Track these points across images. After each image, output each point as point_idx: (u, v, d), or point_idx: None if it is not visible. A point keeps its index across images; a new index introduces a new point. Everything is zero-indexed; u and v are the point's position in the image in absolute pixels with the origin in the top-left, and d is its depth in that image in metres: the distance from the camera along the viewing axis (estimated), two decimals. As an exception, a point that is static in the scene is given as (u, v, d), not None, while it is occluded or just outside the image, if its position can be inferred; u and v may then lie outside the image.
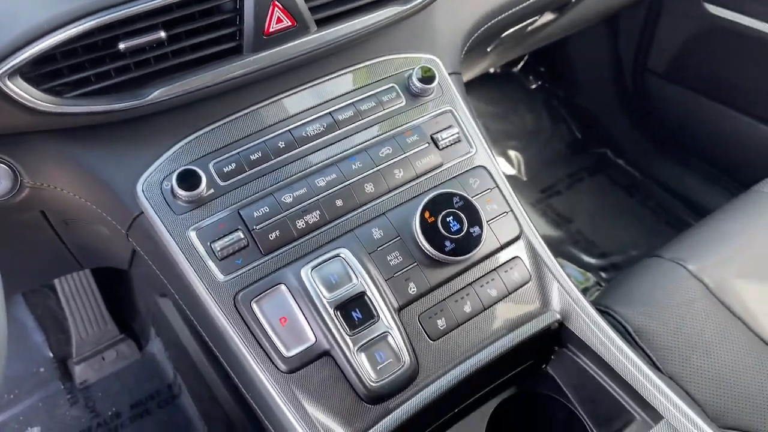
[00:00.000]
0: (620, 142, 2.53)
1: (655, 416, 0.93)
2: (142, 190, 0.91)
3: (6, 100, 0.80)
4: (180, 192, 0.88)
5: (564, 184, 2.48)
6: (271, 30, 0.92)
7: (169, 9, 0.85)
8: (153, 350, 1.93)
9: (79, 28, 0.79)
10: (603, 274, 2.20)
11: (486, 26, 1.27)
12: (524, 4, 1.32)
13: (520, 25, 1.45)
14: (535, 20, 1.50)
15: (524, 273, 1.00)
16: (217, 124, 0.96)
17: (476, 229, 0.94)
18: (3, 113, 0.82)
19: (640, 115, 2.44)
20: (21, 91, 0.79)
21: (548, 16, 1.55)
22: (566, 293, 1.00)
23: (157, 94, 0.88)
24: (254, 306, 0.88)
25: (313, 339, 0.88)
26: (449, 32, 1.17)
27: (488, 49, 1.51)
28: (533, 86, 2.67)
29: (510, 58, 2.05)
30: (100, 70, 0.85)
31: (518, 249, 1.01)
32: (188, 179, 0.88)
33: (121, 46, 0.83)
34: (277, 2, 0.90)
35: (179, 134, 0.95)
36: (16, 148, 0.91)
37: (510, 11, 1.31)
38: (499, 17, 1.29)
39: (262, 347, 0.88)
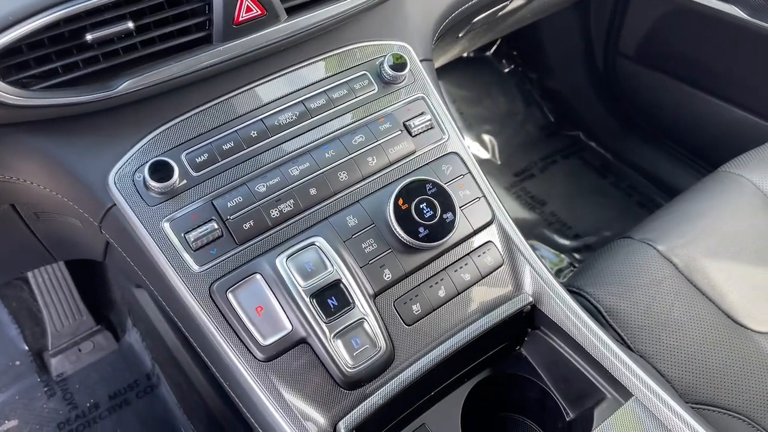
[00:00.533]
0: (592, 124, 2.56)
1: (625, 394, 0.96)
2: (114, 182, 0.91)
3: None
4: (152, 183, 0.88)
5: (538, 167, 2.50)
6: (240, 19, 0.91)
7: None
8: (130, 341, 1.92)
9: (44, 19, 0.78)
10: (577, 255, 2.24)
11: (457, 12, 1.28)
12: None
13: (491, 10, 1.46)
14: (506, 5, 1.51)
15: (497, 257, 1.02)
16: (188, 115, 0.96)
17: (449, 215, 0.95)
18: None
19: (612, 97, 2.47)
20: (-14, 84, 0.78)
21: (518, 1, 1.56)
22: (538, 276, 1.02)
23: (127, 85, 0.87)
24: (230, 296, 0.88)
25: (289, 327, 0.88)
26: (420, 19, 1.18)
27: (460, 35, 1.51)
28: (506, 70, 2.69)
29: (482, 43, 2.05)
30: (68, 61, 0.84)
31: (491, 234, 1.02)
32: (160, 170, 0.88)
33: (88, 37, 0.82)
34: (246, -9, 0.90)
35: (151, 125, 0.94)
36: (-18, 142, 0.90)
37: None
38: (470, 3, 1.30)
39: (238, 336, 0.88)
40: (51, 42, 0.82)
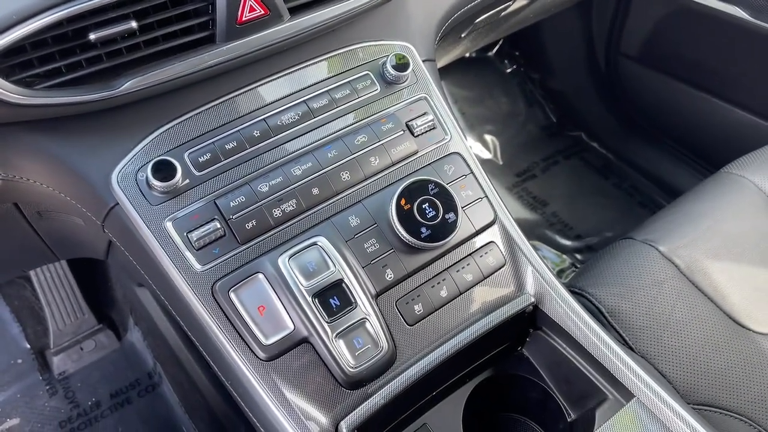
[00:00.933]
0: (594, 124, 2.56)
1: (627, 395, 0.96)
2: (117, 181, 0.91)
3: None
4: (155, 182, 0.88)
5: (539, 167, 2.50)
6: (244, 19, 0.91)
7: None
8: (132, 339, 1.93)
9: (48, 18, 0.78)
10: (578, 256, 2.24)
11: (459, 12, 1.28)
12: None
13: (494, 11, 1.46)
14: (508, 5, 1.51)
15: (499, 257, 1.02)
16: (191, 114, 0.96)
17: (451, 215, 0.96)
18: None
19: (614, 98, 2.46)
20: (-10, 83, 0.78)
21: (521, 2, 1.56)
22: (540, 276, 1.02)
23: (130, 84, 0.87)
24: (232, 295, 0.88)
25: (291, 327, 0.88)
26: (423, 19, 1.18)
27: (462, 35, 1.51)
28: (508, 70, 2.69)
29: (484, 43, 2.05)
30: (71, 60, 0.84)
31: (493, 234, 1.03)
32: (163, 169, 0.88)
33: (92, 36, 0.82)
34: (250, -9, 0.90)
35: (153, 124, 0.94)
36: (-16, 141, 0.90)
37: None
38: (472, 3, 1.30)
39: (240, 336, 0.88)
40: (54, 41, 0.82)
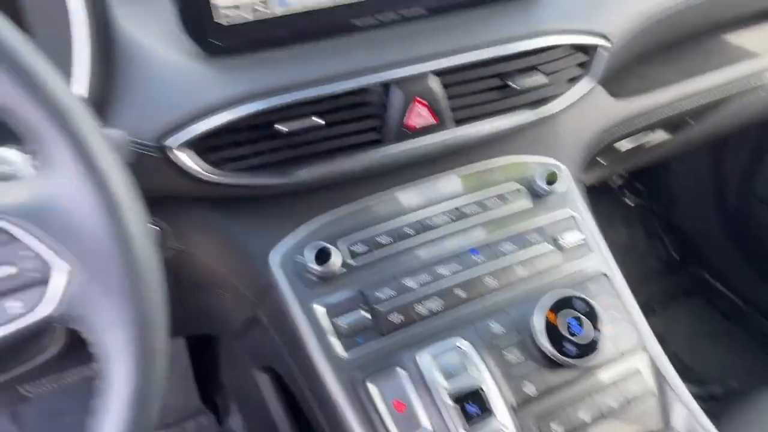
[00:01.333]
0: (720, 265, 2.45)
1: None
2: (275, 261, 0.96)
3: (173, 168, 0.87)
4: (313, 266, 0.92)
5: (659, 303, 2.40)
6: (413, 125, 0.97)
7: (326, 99, 0.92)
8: (232, 425, 1.93)
9: (250, 108, 0.86)
10: (699, 403, 2.08)
11: (605, 139, 1.30)
12: (639, 122, 1.34)
13: (637, 144, 1.48)
14: (649, 138, 1.52)
15: (644, 386, 0.97)
16: (350, 206, 1.01)
17: (597, 334, 0.93)
18: (169, 180, 0.89)
19: (744, 239, 2.37)
20: (190, 161, 0.87)
21: (662, 135, 1.57)
22: (690, 414, 0.96)
23: (305, 174, 0.94)
24: (370, 386, 0.89)
25: (429, 428, 0.87)
26: (573, 140, 1.20)
27: (604, 162, 1.53)
28: (630, 202, 2.66)
29: (623, 170, 2.05)
30: (258, 148, 0.91)
31: (639, 360, 0.99)
32: (321, 255, 0.92)
33: (283, 128, 0.89)
34: (421, 100, 0.96)
35: (314, 212, 0.99)
36: (169, 213, 0.97)
37: (628, 128, 1.34)
38: (618, 132, 1.32)
39: (375, 429, 0.87)
40: (247, 129, 0.89)
